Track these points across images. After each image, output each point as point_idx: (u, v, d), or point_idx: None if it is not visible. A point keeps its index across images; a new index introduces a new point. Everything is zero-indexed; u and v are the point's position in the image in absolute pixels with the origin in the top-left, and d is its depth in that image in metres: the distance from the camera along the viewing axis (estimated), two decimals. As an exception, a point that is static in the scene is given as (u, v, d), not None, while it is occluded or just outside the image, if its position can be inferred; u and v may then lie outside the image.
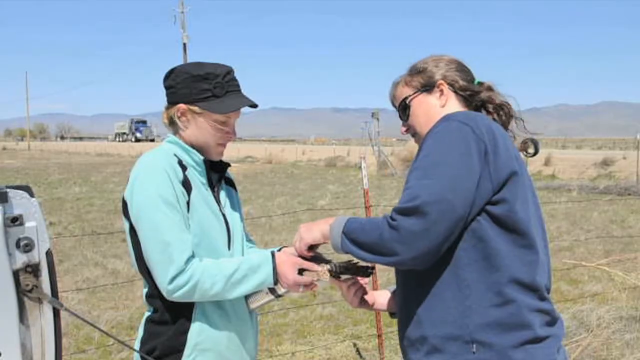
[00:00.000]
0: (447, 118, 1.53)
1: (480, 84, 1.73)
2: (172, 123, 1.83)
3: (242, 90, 1.84)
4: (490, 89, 1.72)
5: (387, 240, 1.39)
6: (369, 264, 1.72)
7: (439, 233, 1.38)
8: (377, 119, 26.53)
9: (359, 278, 1.79)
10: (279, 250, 1.82)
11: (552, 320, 1.52)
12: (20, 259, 1.35)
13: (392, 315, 1.86)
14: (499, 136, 1.49)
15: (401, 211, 1.39)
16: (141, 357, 1.75)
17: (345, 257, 1.62)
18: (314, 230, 1.63)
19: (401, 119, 1.76)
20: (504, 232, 1.46)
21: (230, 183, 2.00)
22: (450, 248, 1.45)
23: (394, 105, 1.81)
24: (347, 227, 1.50)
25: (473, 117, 1.51)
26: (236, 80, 1.83)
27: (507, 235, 1.46)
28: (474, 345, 1.44)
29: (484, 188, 1.43)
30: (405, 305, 1.60)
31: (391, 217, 1.41)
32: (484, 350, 1.43)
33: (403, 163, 22.47)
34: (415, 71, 1.73)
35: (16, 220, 1.33)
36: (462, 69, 1.73)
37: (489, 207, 1.45)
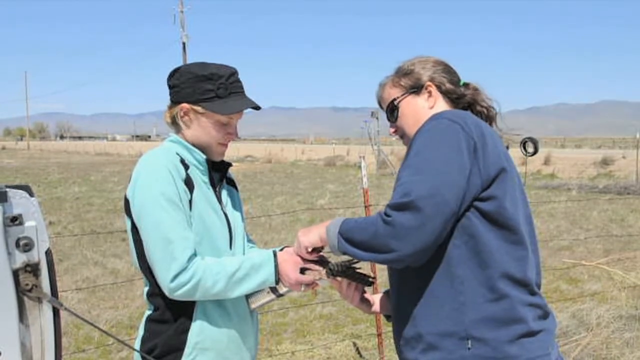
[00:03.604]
0: (435, 117, 1.55)
1: (466, 85, 1.75)
2: (174, 122, 1.84)
3: (246, 92, 1.85)
4: (476, 90, 1.74)
5: (382, 236, 1.39)
6: (371, 276, 1.73)
7: (434, 228, 1.38)
8: (377, 118, 26.51)
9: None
10: (281, 249, 1.82)
11: (545, 314, 1.54)
12: (20, 259, 1.34)
13: (387, 318, 1.86)
14: (488, 133, 1.51)
15: (395, 207, 1.39)
16: (141, 356, 1.75)
17: (346, 258, 1.62)
18: (311, 234, 1.63)
19: (389, 120, 1.77)
20: (494, 228, 1.47)
21: (232, 183, 2.00)
22: (443, 245, 1.47)
23: (381, 106, 1.82)
24: (342, 227, 1.50)
25: (461, 115, 1.53)
26: (240, 81, 1.84)
27: (497, 231, 1.47)
28: (470, 341, 1.45)
29: (473, 184, 1.45)
30: (400, 303, 1.60)
31: (385, 214, 1.41)
32: (479, 345, 1.44)
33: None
34: (403, 73, 1.74)
35: (16, 220, 1.33)
36: (449, 70, 1.74)
37: (478, 204, 1.47)
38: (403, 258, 1.41)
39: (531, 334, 1.47)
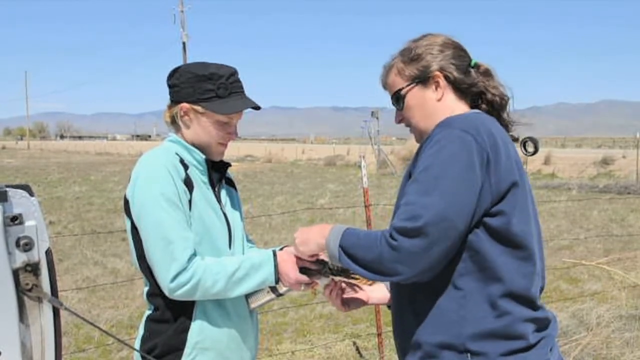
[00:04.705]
0: (447, 124, 1.46)
1: (477, 66, 1.64)
2: (173, 122, 1.83)
3: (246, 92, 1.85)
4: (487, 73, 1.64)
5: (388, 260, 1.36)
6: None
7: (441, 251, 1.36)
8: (377, 117, 26.55)
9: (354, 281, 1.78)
10: (281, 249, 1.82)
11: (545, 325, 1.51)
12: (20, 258, 1.34)
13: (389, 307, 1.85)
14: (501, 143, 1.44)
15: (402, 231, 1.35)
16: (141, 356, 1.75)
17: None
18: (310, 244, 1.60)
19: (394, 106, 1.68)
20: (500, 244, 1.43)
21: (231, 183, 2.00)
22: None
23: (385, 89, 1.72)
24: (343, 240, 1.46)
25: (474, 124, 1.44)
26: (240, 81, 1.83)
27: (503, 247, 1.43)
28: (469, 355, 1.42)
29: (484, 200, 1.40)
30: (400, 308, 1.57)
31: (391, 236, 1.36)
32: (478, 359, 1.42)
33: (403, 162, 22.47)
34: (409, 58, 1.62)
35: (16, 220, 1.33)
36: (458, 54, 1.62)
37: (486, 219, 1.42)
38: (407, 279, 1.39)
39: (530, 347, 1.45)
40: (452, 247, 1.39)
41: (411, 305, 1.51)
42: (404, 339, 1.55)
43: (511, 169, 1.43)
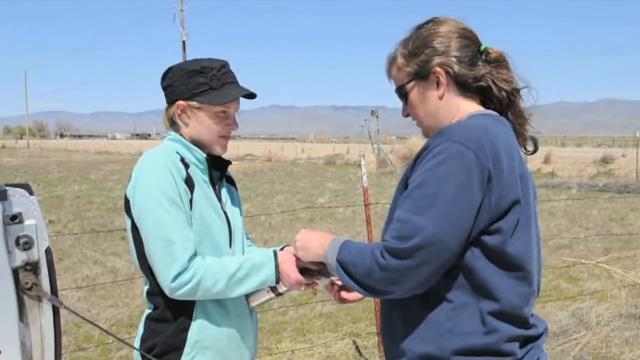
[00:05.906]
0: (447, 135, 1.38)
1: (487, 52, 1.53)
2: (172, 123, 1.83)
3: (239, 82, 1.84)
4: (498, 61, 1.53)
5: (378, 278, 1.36)
6: None
7: (431, 271, 1.34)
8: (377, 116, 26.56)
9: None
10: (281, 248, 1.82)
11: (535, 338, 1.47)
12: (20, 257, 1.34)
13: None
14: (504, 157, 1.37)
15: (392, 252, 1.33)
16: (141, 355, 1.75)
17: None
18: (309, 252, 1.61)
19: (400, 99, 1.63)
20: (494, 263, 1.38)
21: (231, 181, 2.00)
22: None
23: (390, 80, 1.65)
24: (339, 255, 1.45)
25: (476, 135, 1.36)
26: (232, 72, 1.83)
27: (497, 266, 1.39)
28: None
29: (482, 218, 1.35)
30: (390, 314, 1.55)
31: (382, 255, 1.35)
32: None
33: (402, 161, 22.46)
34: (408, 52, 1.55)
35: (15, 218, 1.33)
36: (463, 44, 1.52)
37: (483, 237, 1.37)
38: (399, 296, 1.40)
39: None
40: (445, 266, 1.36)
41: (401, 311, 1.49)
42: (390, 343, 1.53)
43: (514, 185, 1.37)
